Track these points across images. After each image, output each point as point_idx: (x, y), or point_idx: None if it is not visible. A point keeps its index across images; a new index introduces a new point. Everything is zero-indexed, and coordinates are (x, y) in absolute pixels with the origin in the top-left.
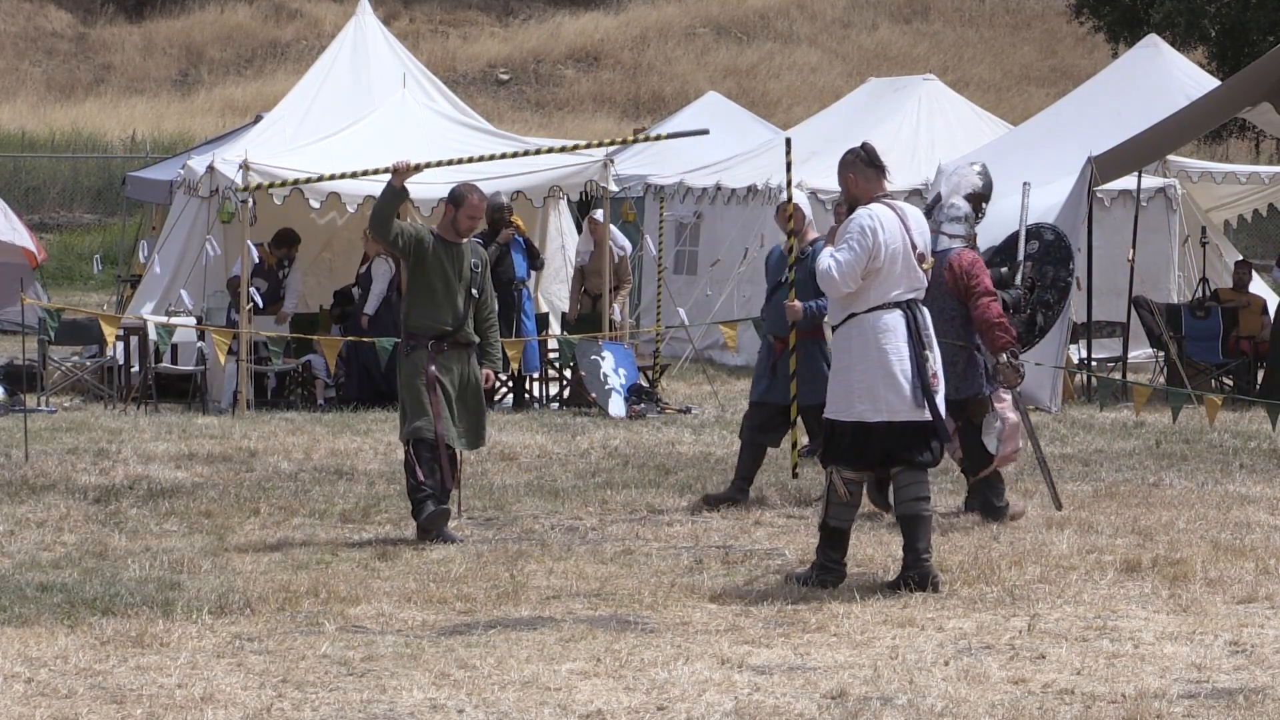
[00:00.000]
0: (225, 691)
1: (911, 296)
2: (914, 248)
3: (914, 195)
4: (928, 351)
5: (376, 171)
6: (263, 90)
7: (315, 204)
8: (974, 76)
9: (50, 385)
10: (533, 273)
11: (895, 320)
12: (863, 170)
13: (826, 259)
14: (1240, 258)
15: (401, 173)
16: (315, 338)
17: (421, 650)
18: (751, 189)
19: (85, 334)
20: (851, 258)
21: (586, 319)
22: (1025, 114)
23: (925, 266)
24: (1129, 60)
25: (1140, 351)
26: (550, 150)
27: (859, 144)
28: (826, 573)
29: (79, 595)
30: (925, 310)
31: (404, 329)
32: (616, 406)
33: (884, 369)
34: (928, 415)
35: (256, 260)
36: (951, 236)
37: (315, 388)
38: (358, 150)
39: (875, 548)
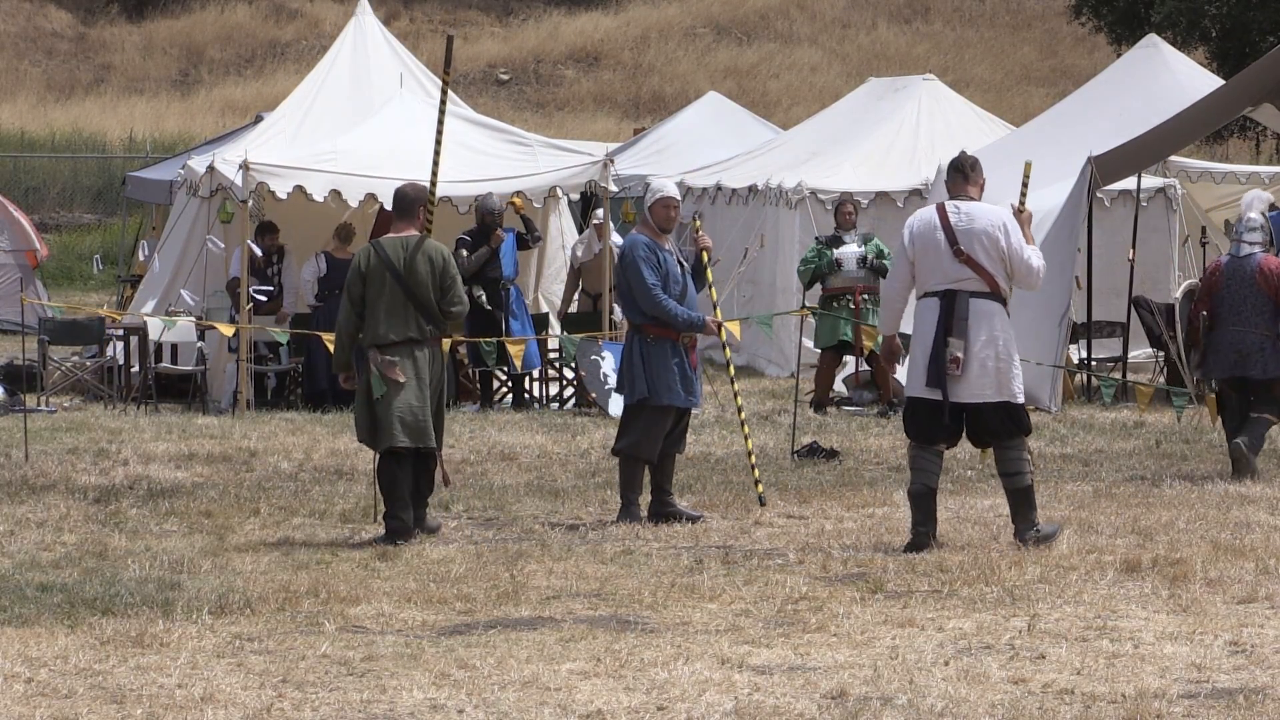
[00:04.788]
0: (225, 691)
1: (949, 287)
2: (952, 243)
3: (913, 195)
4: (950, 338)
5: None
6: (263, 90)
7: (318, 198)
8: (974, 76)
9: (50, 385)
10: (530, 254)
11: (928, 307)
12: (950, 175)
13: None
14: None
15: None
16: (316, 333)
17: (421, 650)
18: (752, 189)
19: (85, 334)
20: (893, 261)
21: (586, 319)
22: (1025, 114)
23: (963, 260)
24: (1129, 60)
25: (1140, 351)
26: None
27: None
28: (914, 538)
29: (79, 595)
30: (971, 301)
31: (445, 338)
32: (616, 407)
33: (914, 350)
34: (938, 396)
35: (261, 256)
36: (1251, 244)
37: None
38: (359, 150)
39: (877, 549)
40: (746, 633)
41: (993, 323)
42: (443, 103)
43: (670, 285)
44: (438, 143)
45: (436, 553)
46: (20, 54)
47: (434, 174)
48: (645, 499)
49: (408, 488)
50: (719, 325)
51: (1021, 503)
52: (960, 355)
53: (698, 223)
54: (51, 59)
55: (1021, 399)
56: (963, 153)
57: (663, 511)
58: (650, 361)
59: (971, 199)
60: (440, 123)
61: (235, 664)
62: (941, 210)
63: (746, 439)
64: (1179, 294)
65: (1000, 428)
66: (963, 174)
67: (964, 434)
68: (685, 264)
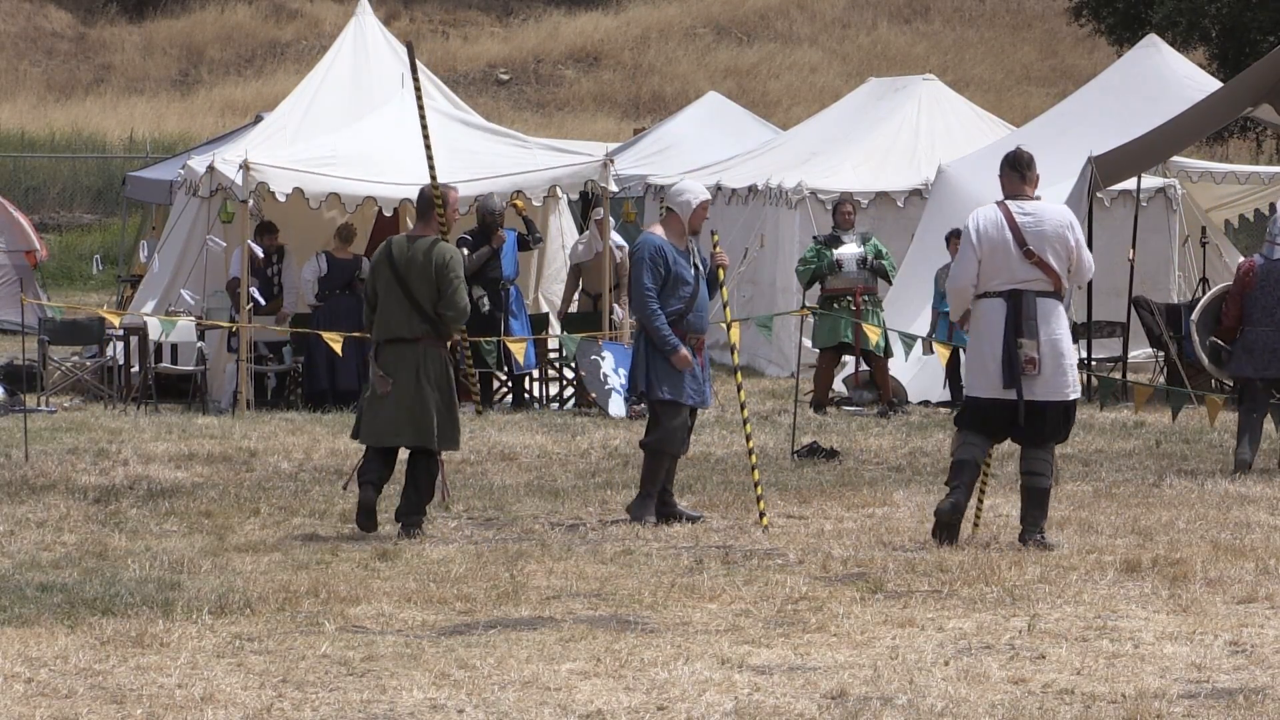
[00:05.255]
0: (225, 691)
1: (1015, 287)
2: (1020, 244)
3: (913, 195)
4: (1022, 339)
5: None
6: (263, 90)
7: (316, 203)
8: (974, 76)
9: (50, 385)
10: (530, 254)
11: (991, 308)
12: (1005, 172)
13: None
14: (1243, 259)
15: None
16: (318, 332)
17: (421, 650)
18: (752, 189)
19: (85, 334)
20: (960, 255)
21: (586, 319)
22: (1025, 114)
23: (1033, 261)
24: (1129, 60)
25: (1140, 351)
26: None
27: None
28: (948, 496)
29: (79, 595)
30: (1038, 300)
31: (446, 340)
32: (616, 406)
33: (976, 351)
34: (1013, 396)
35: (261, 256)
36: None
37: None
38: (359, 150)
39: (877, 549)
40: (746, 633)
41: (1060, 321)
42: (421, 114)
43: (679, 288)
44: (428, 149)
45: (436, 553)
46: (20, 54)
47: (433, 180)
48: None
49: (380, 462)
50: (688, 360)
51: (1035, 505)
52: (1035, 355)
53: (716, 238)
54: (51, 59)
55: (1079, 396)
56: (1019, 149)
57: (663, 511)
58: (654, 359)
59: (1030, 198)
60: (425, 132)
61: (235, 664)
62: (1006, 210)
63: (748, 438)
64: (1212, 295)
65: (1056, 430)
66: (1019, 172)
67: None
68: (702, 266)
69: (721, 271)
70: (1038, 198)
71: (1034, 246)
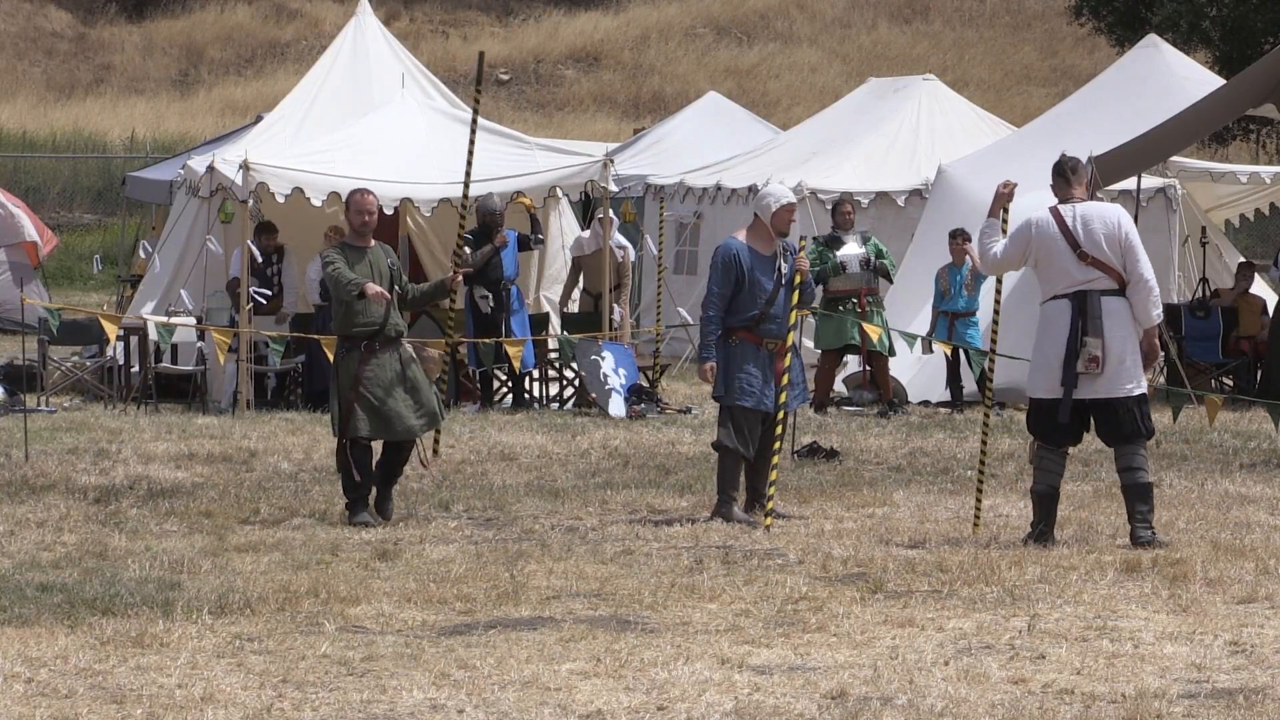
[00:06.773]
0: (225, 691)
1: (1079, 289)
2: (1074, 246)
3: (913, 195)
4: (1086, 338)
5: None
6: (263, 90)
7: (317, 202)
8: (974, 76)
9: (50, 385)
10: (532, 254)
11: (1057, 310)
12: (1055, 178)
13: (994, 246)
14: (1243, 260)
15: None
16: (317, 337)
17: (421, 650)
18: (752, 189)
19: (85, 334)
20: (1002, 248)
21: (586, 319)
22: (1025, 114)
23: (1089, 262)
24: (1130, 60)
25: None
26: None
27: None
28: (1034, 535)
29: (79, 595)
30: (1102, 299)
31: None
32: (616, 406)
33: (1040, 353)
34: (1073, 395)
35: (260, 260)
36: None
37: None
38: (358, 150)
39: (878, 549)
40: (746, 633)
41: (1125, 319)
42: (473, 125)
43: (755, 293)
44: (470, 153)
45: (436, 553)
46: (20, 54)
47: (465, 183)
48: (656, 499)
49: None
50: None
51: (1140, 500)
52: (1099, 354)
53: (804, 242)
54: (51, 59)
55: (1146, 391)
56: (1063, 155)
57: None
58: (730, 363)
59: (1079, 200)
60: (471, 142)
61: (235, 664)
62: (1057, 215)
63: (777, 439)
64: None
65: (1131, 428)
66: (1065, 177)
67: (1086, 433)
68: (784, 268)
69: (799, 276)
70: (1100, 198)
71: (1087, 248)
